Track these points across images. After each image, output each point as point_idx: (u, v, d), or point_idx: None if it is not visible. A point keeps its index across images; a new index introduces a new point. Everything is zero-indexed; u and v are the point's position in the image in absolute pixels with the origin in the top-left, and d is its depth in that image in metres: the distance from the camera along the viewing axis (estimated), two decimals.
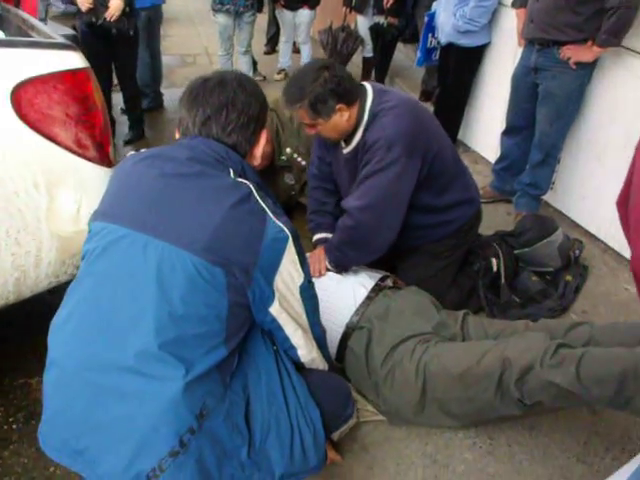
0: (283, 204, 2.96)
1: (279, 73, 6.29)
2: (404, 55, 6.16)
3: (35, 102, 1.98)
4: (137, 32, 4.28)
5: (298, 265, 1.58)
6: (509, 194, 3.85)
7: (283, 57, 6.25)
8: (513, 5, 3.67)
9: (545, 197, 3.70)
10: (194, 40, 7.64)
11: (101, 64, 3.91)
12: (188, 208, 1.46)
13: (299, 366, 1.79)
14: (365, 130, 2.37)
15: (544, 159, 3.46)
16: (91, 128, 2.08)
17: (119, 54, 4.29)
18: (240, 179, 1.54)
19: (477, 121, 4.55)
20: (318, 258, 2.54)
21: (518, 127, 3.64)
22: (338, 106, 2.30)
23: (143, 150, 1.65)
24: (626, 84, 3.14)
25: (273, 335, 1.68)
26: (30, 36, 2.35)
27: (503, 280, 2.84)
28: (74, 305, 1.51)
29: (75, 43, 2.14)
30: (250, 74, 5.76)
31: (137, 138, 4.72)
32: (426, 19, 4.50)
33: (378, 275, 2.52)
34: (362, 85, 2.43)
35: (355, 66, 5.95)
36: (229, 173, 1.55)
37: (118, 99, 4.76)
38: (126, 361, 1.40)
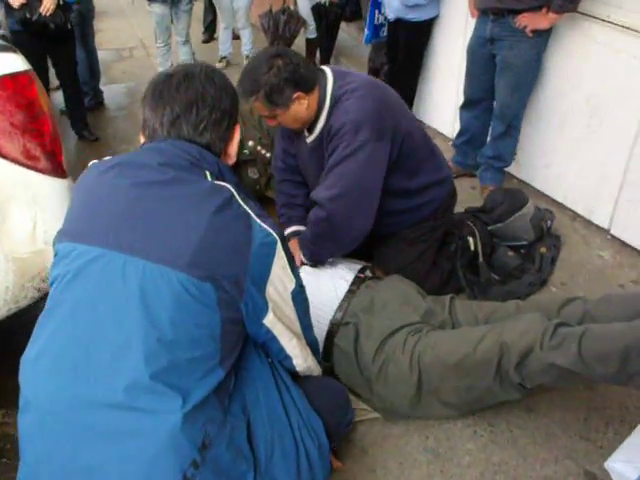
0: None
1: (220, 61, 6.07)
2: (346, 34, 6.03)
3: None
4: (73, 26, 4.02)
5: (289, 269, 1.47)
6: (472, 168, 3.80)
7: (223, 44, 6.04)
8: None
9: (508, 168, 3.65)
10: (128, 33, 7.32)
11: (37, 64, 3.66)
12: (166, 220, 1.32)
13: (294, 375, 1.68)
14: (328, 116, 2.25)
15: (506, 130, 3.41)
16: (40, 137, 1.90)
17: (57, 51, 4.03)
18: (218, 182, 1.41)
19: (430, 96, 4.47)
20: (292, 252, 2.42)
21: (477, 99, 3.57)
22: (296, 95, 2.18)
23: (107, 158, 1.50)
24: (584, 49, 3.09)
25: (267, 347, 1.56)
26: None
27: (481, 258, 2.78)
28: (48, 338, 1.34)
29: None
30: None
31: (86, 137, 4.52)
32: None
33: (357, 266, 2.42)
34: (320, 69, 2.31)
35: (297, 47, 5.79)
36: (205, 176, 1.42)
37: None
38: (114, 397, 1.25)
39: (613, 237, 3.17)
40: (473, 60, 3.48)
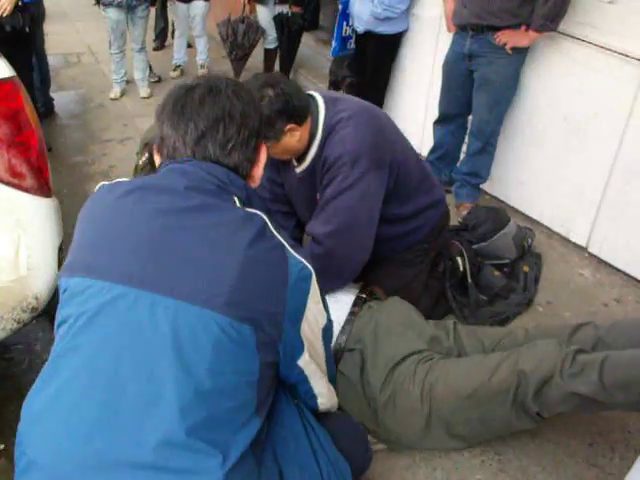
0: None
1: (175, 70, 5.88)
2: (305, 45, 5.93)
3: None
4: (31, 29, 3.77)
5: (321, 304, 1.36)
6: (445, 184, 3.75)
7: (178, 53, 5.85)
8: None
9: (482, 185, 3.64)
10: (74, 38, 7.01)
11: None
12: (197, 253, 1.18)
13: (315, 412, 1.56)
14: (322, 146, 2.14)
15: (483, 147, 3.39)
16: (26, 151, 1.72)
17: (12, 56, 3.76)
18: (249, 209, 1.29)
19: (398, 111, 4.43)
20: None
21: (452, 115, 3.55)
22: (288, 127, 2.05)
23: (122, 180, 1.34)
24: (563, 68, 3.11)
25: (295, 387, 1.44)
26: None
27: (470, 279, 2.73)
28: (59, 389, 1.17)
29: None
30: (146, 74, 5.35)
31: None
32: (340, 7, 4.31)
33: (355, 286, 2.32)
34: (311, 96, 2.20)
35: (255, 58, 5.68)
36: (234, 202, 1.29)
37: None
38: (142, 456, 1.10)
39: (591, 255, 3.19)
40: (449, 76, 3.46)
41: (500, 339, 2.13)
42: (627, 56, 2.80)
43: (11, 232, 1.73)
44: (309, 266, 1.27)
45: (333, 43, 4.46)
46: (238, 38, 5.30)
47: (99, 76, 5.79)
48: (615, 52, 2.85)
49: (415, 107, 4.22)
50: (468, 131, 3.50)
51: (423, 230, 2.42)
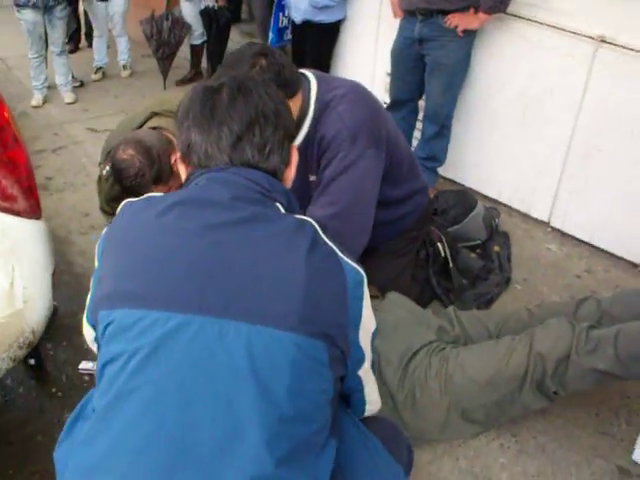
0: None
1: (96, 72, 5.56)
2: (231, 40, 5.78)
3: None
4: None
5: (371, 309, 1.29)
6: None
7: (98, 54, 5.53)
8: None
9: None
10: None
11: None
12: (258, 269, 1.08)
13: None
14: (314, 123, 2.07)
15: (439, 130, 3.41)
16: (16, 170, 1.55)
17: None
18: (298, 216, 1.21)
19: None
20: None
21: (403, 100, 3.54)
22: None
23: (153, 195, 1.23)
24: (515, 48, 3.16)
25: (349, 397, 1.37)
26: None
27: (451, 264, 2.74)
28: (117, 437, 1.03)
29: None
30: (69, 78, 5.06)
31: None
32: None
33: None
34: (303, 73, 2.13)
35: (182, 54, 5.49)
36: (278, 209, 1.21)
37: None
38: None
39: (554, 229, 3.27)
40: (399, 61, 3.44)
41: (504, 322, 2.14)
42: (579, 34, 2.87)
43: (4, 262, 1.55)
44: (361, 270, 1.20)
45: (270, 34, 4.36)
46: (164, 35, 5.08)
47: (14, 83, 5.42)
48: (567, 31, 2.91)
49: None
50: (422, 116, 3.50)
51: (412, 216, 2.40)
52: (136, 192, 2.33)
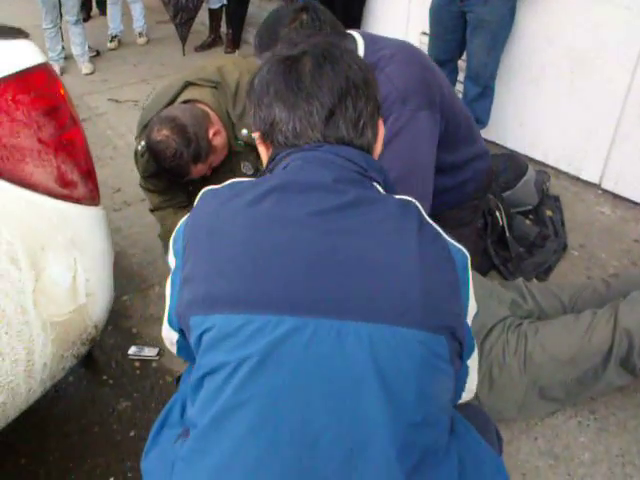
0: None
1: (112, 41, 5.42)
2: (252, 3, 5.59)
3: None
4: None
5: (473, 291, 1.18)
6: None
7: (113, 22, 5.36)
8: None
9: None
10: None
11: None
12: (373, 260, 0.97)
13: None
14: None
15: (483, 91, 3.28)
16: (75, 153, 1.41)
17: None
18: (400, 196, 1.09)
19: None
20: None
21: (443, 61, 3.36)
22: None
23: (239, 180, 1.10)
24: (562, 2, 2.98)
25: None
26: None
27: (508, 233, 2.63)
28: (225, 458, 0.94)
29: None
30: (86, 48, 4.90)
31: None
32: None
33: None
34: (349, 33, 1.99)
35: (200, 20, 5.31)
36: (377, 190, 1.09)
37: None
38: None
39: (605, 191, 3.15)
40: (439, 19, 3.28)
41: (578, 294, 2.05)
42: None
43: (67, 255, 1.43)
44: (465, 251, 1.09)
45: None
46: (181, 0, 4.92)
47: None
48: None
49: None
50: (464, 76, 3.35)
51: (472, 183, 2.26)
52: (176, 173, 2.22)
